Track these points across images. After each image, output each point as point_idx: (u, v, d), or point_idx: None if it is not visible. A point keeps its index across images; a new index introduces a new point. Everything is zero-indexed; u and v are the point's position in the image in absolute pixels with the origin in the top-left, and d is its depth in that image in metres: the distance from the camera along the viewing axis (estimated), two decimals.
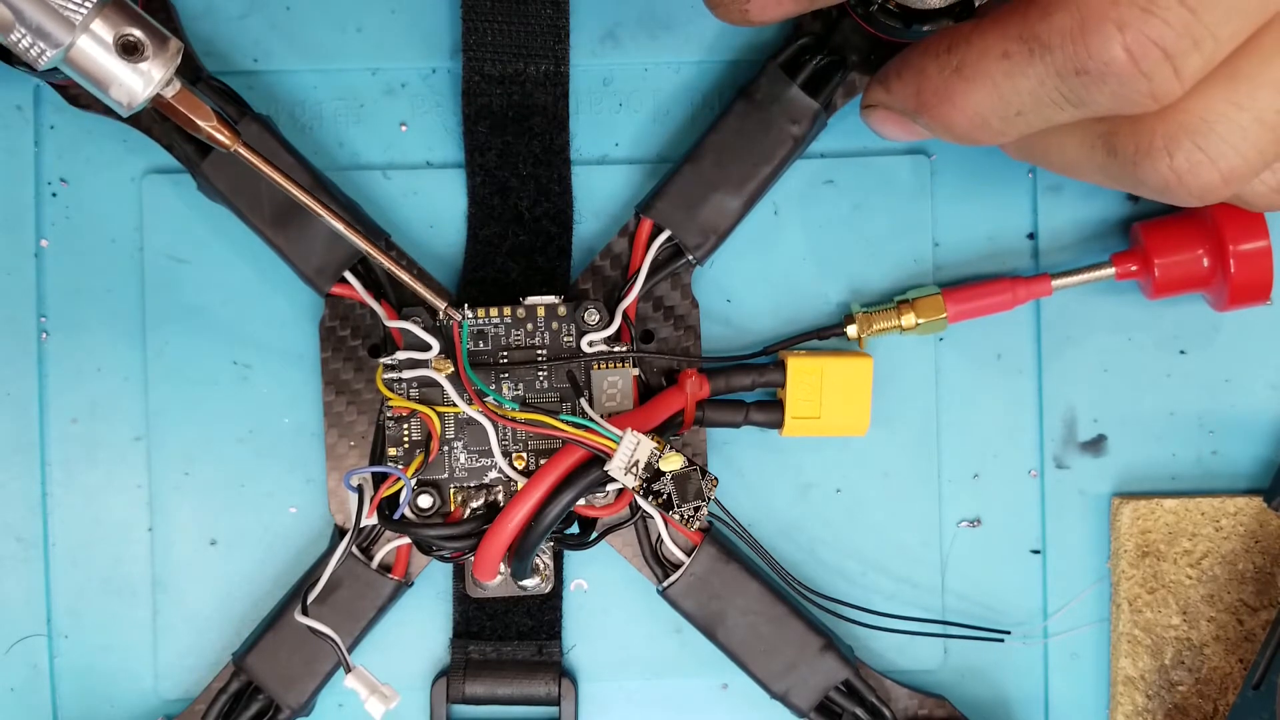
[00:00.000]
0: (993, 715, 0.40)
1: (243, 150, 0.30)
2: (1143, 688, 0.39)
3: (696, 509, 0.34)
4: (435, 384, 0.36)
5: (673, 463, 0.34)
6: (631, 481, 0.34)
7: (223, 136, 0.30)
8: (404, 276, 0.33)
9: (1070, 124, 0.29)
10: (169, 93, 0.29)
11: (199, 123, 0.30)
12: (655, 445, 0.34)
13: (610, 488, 0.36)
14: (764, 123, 0.37)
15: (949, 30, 0.29)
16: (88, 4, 0.27)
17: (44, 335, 0.39)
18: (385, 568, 0.37)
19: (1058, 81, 0.26)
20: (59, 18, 0.27)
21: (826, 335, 0.38)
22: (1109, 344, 0.40)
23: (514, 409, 0.35)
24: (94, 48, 0.28)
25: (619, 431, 0.34)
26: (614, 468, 0.34)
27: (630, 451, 0.34)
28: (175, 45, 0.29)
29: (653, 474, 0.34)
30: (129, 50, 0.28)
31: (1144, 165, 0.27)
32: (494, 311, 0.37)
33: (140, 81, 0.28)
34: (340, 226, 0.32)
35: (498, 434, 0.36)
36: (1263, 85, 0.26)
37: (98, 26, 0.28)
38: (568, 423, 0.34)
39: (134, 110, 0.29)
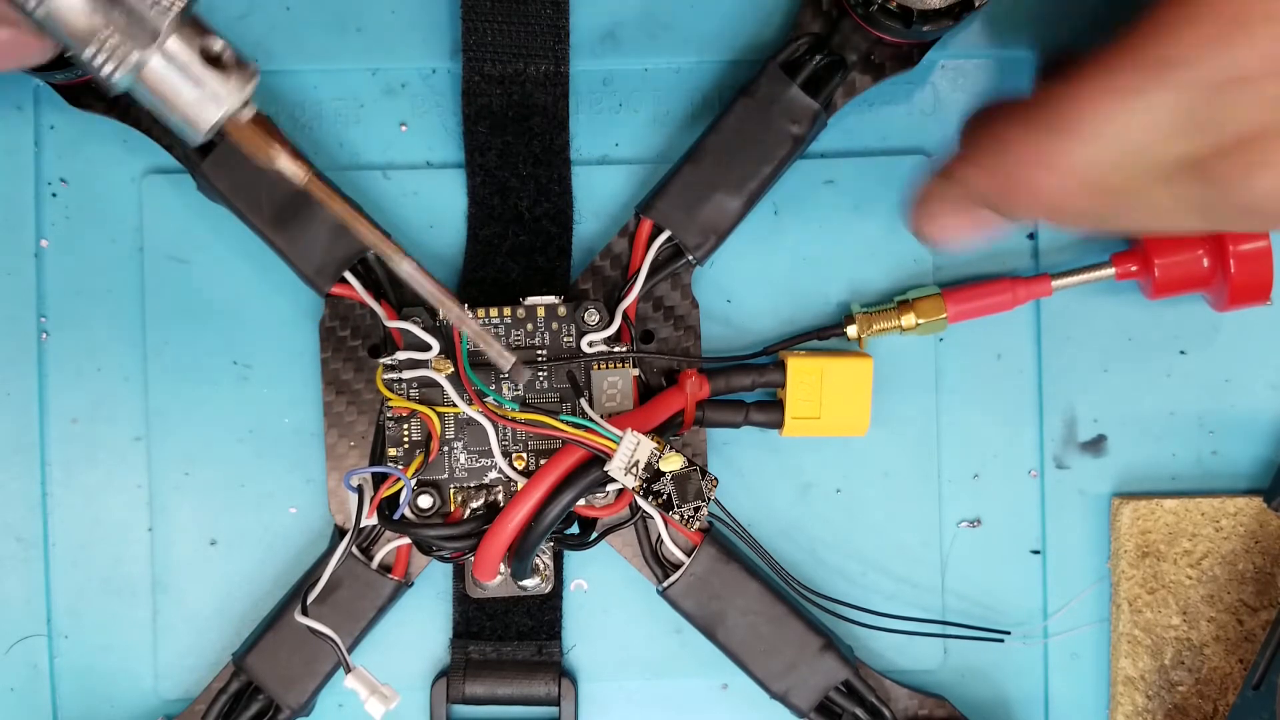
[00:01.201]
0: (993, 715, 0.40)
1: (314, 188, 0.29)
2: (1143, 688, 0.39)
3: (696, 509, 0.34)
4: (435, 384, 0.36)
5: (673, 463, 0.34)
6: (631, 482, 0.34)
7: (297, 169, 0.28)
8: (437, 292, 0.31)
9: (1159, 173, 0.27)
10: (245, 116, 0.27)
11: (272, 155, 0.28)
12: (655, 445, 0.34)
13: (610, 488, 0.36)
14: (764, 123, 0.37)
15: (1046, 91, 0.27)
16: (169, 11, 0.26)
17: (44, 335, 0.39)
18: (385, 568, 0.37)
19: (1195, 103, 0.25)
20: (140, 28, 0.26)
21: (826, 335, 0.38)
22: (1109, 344, 0.40)
23: (514, 409, 0.35)
24: (170, 63, 0.26)
25: (619, 432, 0.34)
26: (614, 468, 0.34)
27: (630, 452, 0.34)
28: (254, 66, 0.27)
29: (653, 474, 0.34)
30: (211, 60, 0.27)
31: (1255, 181, 0.26)
32: (494, 311, 0.37)
33: (218, 100, 0.27)
34: (412, 271, 0.30)
35: (498, 434, 0.36)
36: None
37: (174, 44, 0.26)
38: (568, 423, 0.34)
39: (206, 136, 0.27)
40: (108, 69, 0.26)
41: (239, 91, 0.27)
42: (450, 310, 0.30)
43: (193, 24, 0.27)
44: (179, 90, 0.26)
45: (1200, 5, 0.25)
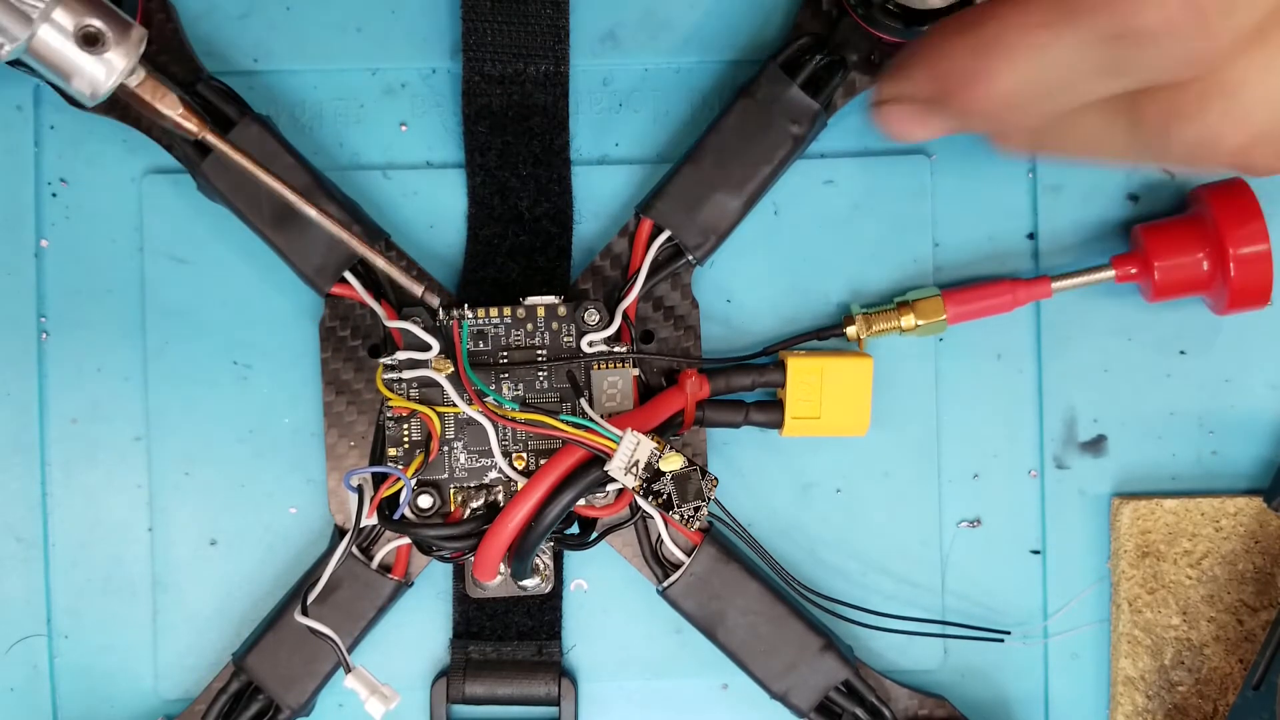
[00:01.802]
0: (993, 715, 0.40)
1: (211, 137, 0.30)
2: (1143, 688, 0.39)
3: (696, 509, 0.34)
4: (435, 384, 0.36)
5: (673, 463, 0.34)
6: (631, 482, 0.34)
7: (190, 124, 0.30)
8: (387, 266, 0.32)
9: (1091, 101, 0.28)
10: (133, 81, 0.29)
11: (164, 111, 0.29)
12: (655, 445, 0.34)
13: (610, 488, 0.36)
14: (764, 123, 0.37)
15: (975, 8, 0.29)
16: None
17: (44, 335, 0.39)
18: (385, 568, 0.37)
19: (1100, 48, 0.26)
20: (16, 11, 0.27)
21: (826, 336, 0.38)
22: (1109, 344, 0.40)
23: (514, 409, 0.35)
24: (55, 38, 0.27)
25: (619, 432, 0.34)
26: (614, 468, 0.34)
27: (630, 452, 0.34)
28: (139, 33, 0.28)
29: (653, 474, 0.34)
30: (90, 41, 0.28)
31: (1175, 128, 0.27)
32: (494, 311, 0.37)
33: (104, 71, 0.28)
34: (328, 223, 0.31)
35: (498, 434, 0.36)
36: None
37: (59, 16, 0.27)
38: (568, 423, 0.34)
39: (98, 100, 0.28)
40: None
41: (124, 60, 0.28)
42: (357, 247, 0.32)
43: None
44: (67, 65, 0.28)
45: None
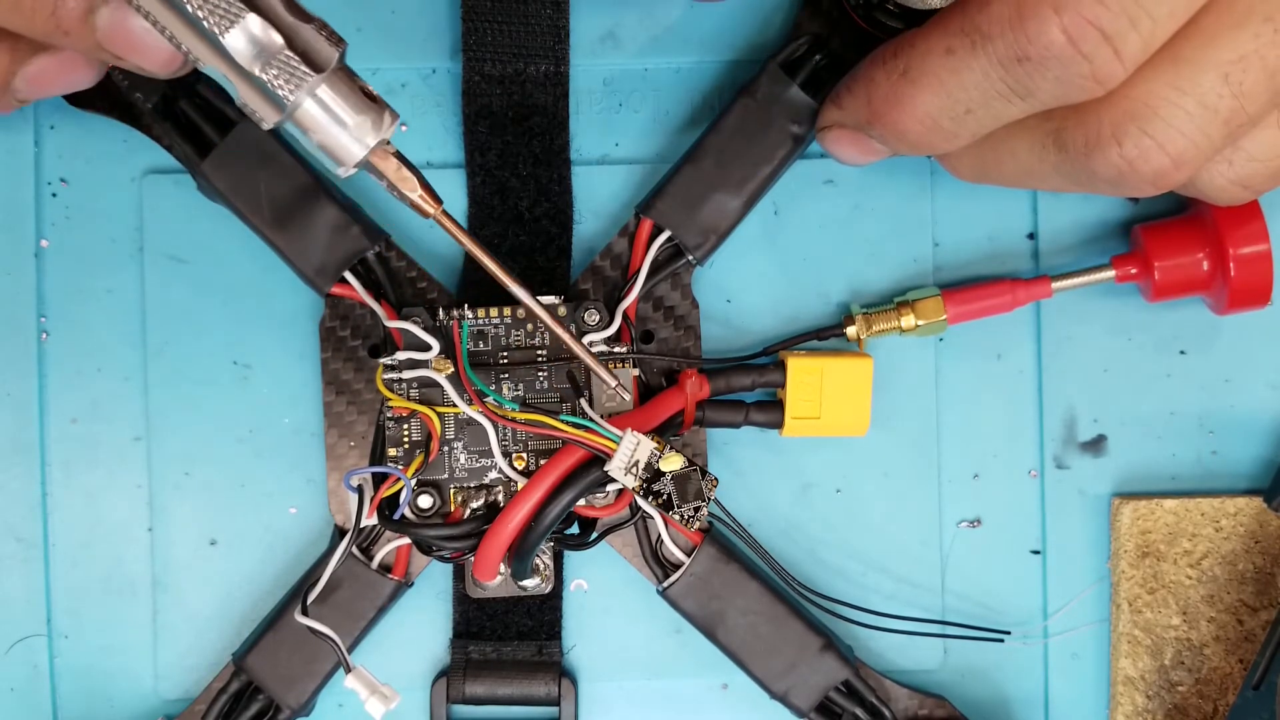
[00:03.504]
0: (993, 715, 0.40)
1: (445, 220, 0.31)
2: (1143, 688, 0.39)
3: (696, 509, 0.34)
4: (435, 384, 0.36)
5: (673, 463, 0.34)
6: (631, 482, 0.34)
7: (426, 206, 0.30)
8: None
9: (1020, 128, 0.29)
10: (389, 150, 0.29)
11: (406, 188, 0.30)
12: (655, 445, 0.34)
13: (610, 488, 0.36)
14: (764, 123, 0.37)
15: (896, 39, 0.29)
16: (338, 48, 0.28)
17: (44, 335, 0.39)
18: (385, 568, 0.37)
19: (1002, 72, 0.27)
20: (306, 63, 0.27)
21: (826, 336, 0.38)
22: (1109, 344, 0.40)
23: (514, 409, 0.35)
24: (329, 98, 0.28)
25: (619, 432, 0.34)
26: (614, 468, 0.34)
27: (630, 451, 0.34)
28: (396, 114, 0.29)
29: (653, 474, 0.34)
30: (370, 97, 0.28)
31: (1095, 156, 0.27)
32: (494, 311, 0.37)
33: (372, 133, 0.28)
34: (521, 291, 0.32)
35: (498, 434, 0.36)
36: (1205, 69, 0.26)
37: (335, 77, 0.28)
38: (568, 423, 0.34)
39: (356, 167, 0.29)
40: (268, 108, 0.28)
41: (388, 128, 0.29)
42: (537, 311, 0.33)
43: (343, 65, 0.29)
44: (329, 127, 0.28)
45: None
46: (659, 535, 0.38)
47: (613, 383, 0.34)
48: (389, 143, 0.29)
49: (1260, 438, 0.40)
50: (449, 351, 0.36)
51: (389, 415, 0.36)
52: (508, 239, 0.38)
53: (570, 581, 0.39)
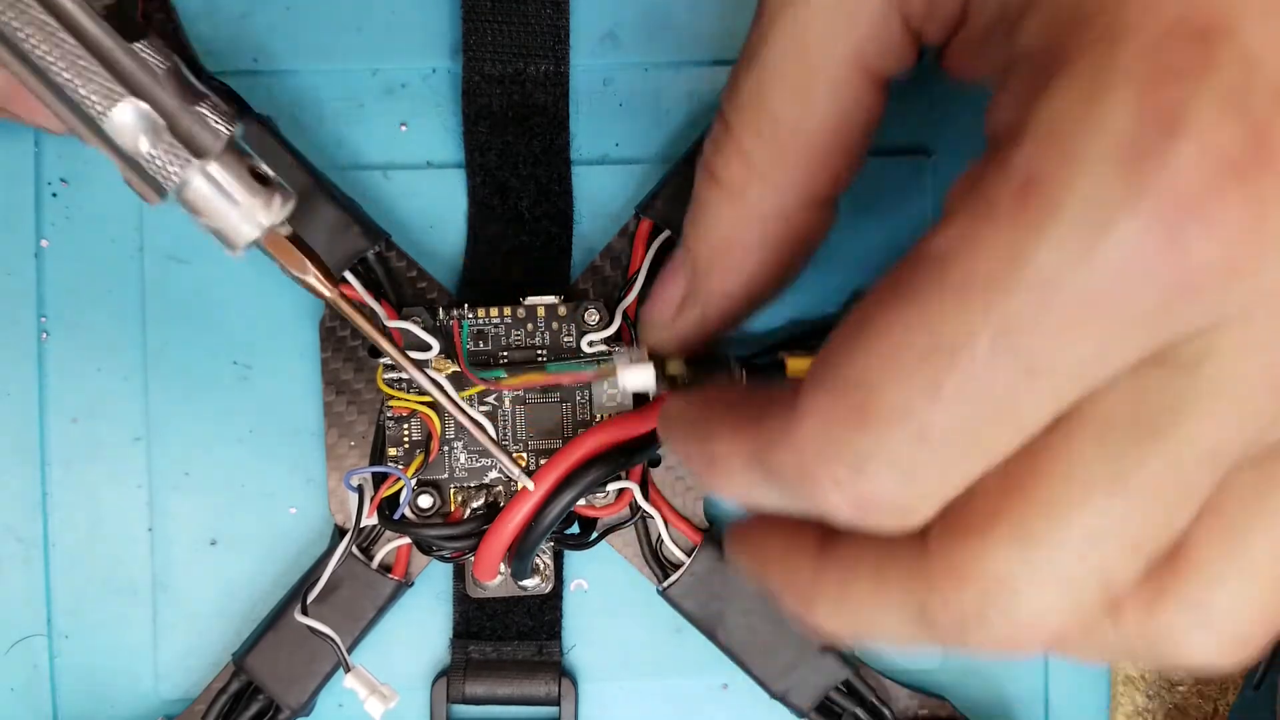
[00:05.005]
0: (993, 715, 0.40)
1: (341, 303, 0.31)
2: (1143, 688, 0.39)
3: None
4: (435, 384, 0.36)
5: (675, 367, 0.34)
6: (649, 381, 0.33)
7: (324, 286, 0.30)
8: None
9: (880, 602, 0.25)
10: (282, 233, 0.29)
11: (303, 270, 0.30)
12: (651, 386, 0.33)
13: (610, 487, 0.36)
14: None
15: (709, 398, 0.27)
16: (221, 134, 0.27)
17: (44, 335, 0.39)
18: (385, 568, 0.37)
19: (797, 502, 0.24)
20: (189, 147, 0.27)
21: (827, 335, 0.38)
22: None
23: (501, 377, 0.35)
24: (220, 176, 0.28)
25: (606, 349, 0.34)
26: (628, 382, 0.33)
27: (628, 364, 0.33)
28: (292, 194, 0.29)
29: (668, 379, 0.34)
30: (261, 179, 0.28)
31: (970, 636, 0.24)
32: (494, 311, 0.37)
33: (264, 214, 0.28)
34: None
35: (498, 434, 0.36)
36: (1056, 548, 0.22)
37: (223, 159, 0.28)
38: (557, 370, 0.34)
39: (247, 245, 0.28)
40: (148, 190, 0.28)
41: (279, 211, 0.28)
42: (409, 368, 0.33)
43: (235, 147, 0.28)
44: (219, 207, 0.28)
45: (782, 428, 0.24)
46: (659, 535, 0.38)
47: (523, 480, 0.34)
48: (285, 224, 0.29)
49: None
50: (449, 351, 0.36)
51: (389, 415, 0.36)
52: (508, 239, 0.38)
53: (570, 581, 0.39)
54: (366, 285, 0.37)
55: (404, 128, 0.39)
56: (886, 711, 0.38)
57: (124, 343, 0.39)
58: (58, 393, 0.39)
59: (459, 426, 0.36)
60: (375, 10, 0.39)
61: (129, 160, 0.27)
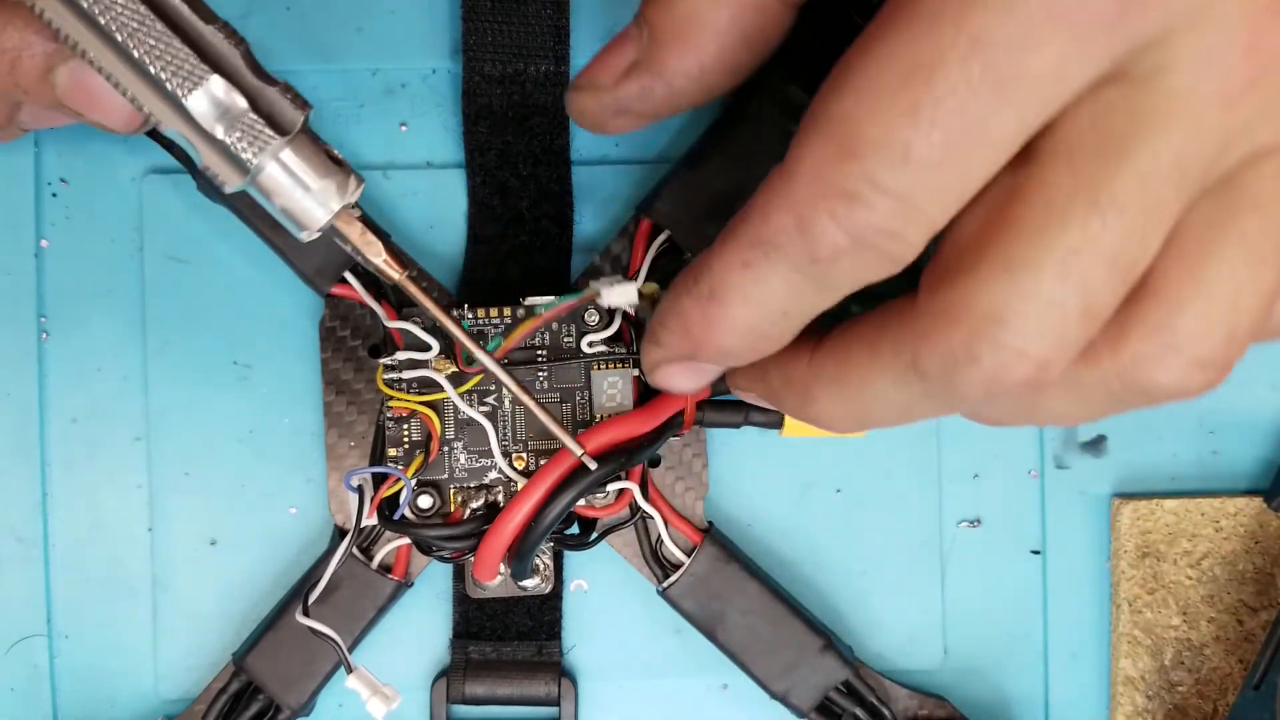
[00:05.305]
0: (993, 715, 0.40)
1: (409, 285, 0.31)
2: (1143, 688, 0.39)
3: None
4: (435, 384, 0.36)
5: (651, 288, 0.34)
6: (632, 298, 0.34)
7: (391, 270, 0.30)
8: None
9: (875, 371, 0.27)
10: (354, 214, 0.29)
11: (366, 256, 0.30)
12: (626, 281, 0.34)
13: (610, 487, 0.36)
14: (763, 121, 0.37)
15: (693, 264, 0.28)
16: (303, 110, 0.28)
17: (44, 335, 0.39)
18: (385, 568, 0.37)
19: (801, 274, 0.26)
20: (270, 127, 0.27)
21: None
22: None
23: (499, 343, 0.35)
24: (298, 156, 0.28)
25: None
26: (611, 301, 0.33)
27: (611, 287, 0.33)
28: (362, 177, 0.29)
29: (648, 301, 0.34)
30: (335, 161, 0.28)
31: (957, 377, 0.25)
32: (494, 311, 0.37)
33: (337, 196, 0.28)
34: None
35: (498, 434, 0.36)
36: (1038, 269, 0.24)
37: (300, 140, 0.28)
38: (545, 309, 0.34)
39: (320, 228, 0.29)
40: (230, 171, 0.28)
41: (353, 193, 0.29)
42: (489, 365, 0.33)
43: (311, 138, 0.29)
44: (294, 189, 0.28)
45: (781, 187, 0.25)
46: (659, 535, 0.38)
47: (576, 449, 0.33)
48: (355, 206, 0.29)
49: (1260, 438, 0.40)
50: (449, 351, 0.36)
51: (389, 415, 0.36)
52: (508, 239, 0.38)
53: (570, 581, 0.39)
54: (366, 285, 0.37)
55: (404, 128, 0.39)
56: (886, 711, 0.38)
57: (124, 343, 0.39)
58: (58, 393, 0.39)
59: (459, 427, 0.36)
60: (375, 10, 0.39)
61: (211, 140, 0.27)
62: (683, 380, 0.31)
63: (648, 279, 0.37)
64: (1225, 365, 0.26)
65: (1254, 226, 0.25)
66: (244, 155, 0.27)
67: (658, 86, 0.31)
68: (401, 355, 0.36)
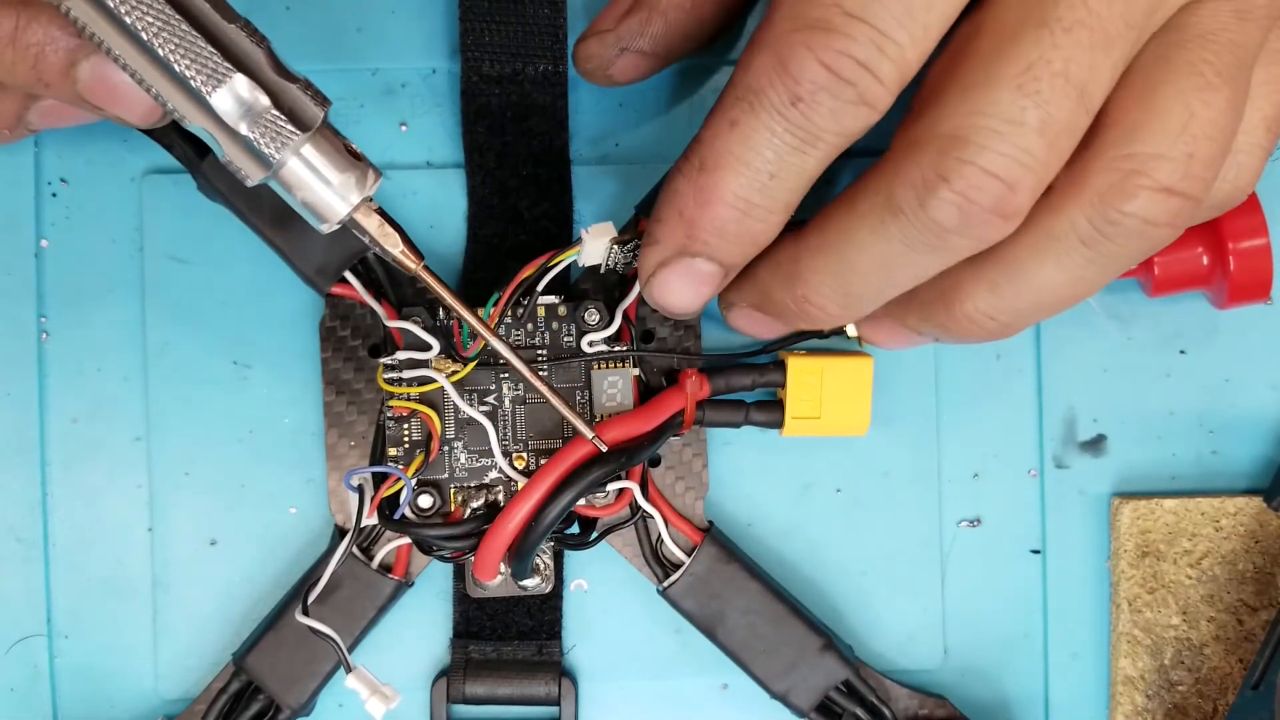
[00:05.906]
0: (993, 715, 0.40)
1: (427, 276, 0.31)
2: (1143, 688, 0.39)
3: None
4: (435, 384, 0.36)
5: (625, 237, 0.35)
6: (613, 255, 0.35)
7: (408, 261, 0.31)
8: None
9: (853, 223, 0.28)
10: (372, 206, 0.30)
11: (384, 248, 0.30)
12: (612, 233, 0.34)
13: (610, 487, 0.36)
14: None
15: (687, 148, 0.30)
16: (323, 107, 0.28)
17: (44, 335, 0.39)
18: (385, 568, 0.37)
19: (784, 121, 0.27)
20: (292, 121, 0.28)
21: (827, 335, 0.38)
22: (1108, 343, 0.40)
23: (495, 301, 0.36)
24: (319, 150, 0.28)
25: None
26: (588, 259, 0.35)
27: (593, 239, 0.34)
28: (380, 170, 0.30)
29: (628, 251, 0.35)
30: (354, 155, 0.29)
31: (930, 204, 0.27)
32: (494, 312, 0.37)
33: (357, 189, 0.29)
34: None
35: (498, 434, 0.36)
36: (995, 88, 0.26)
37: (320, 135, 0.29)
38: (532, 263, 0.35)
39: (340, 221, 0.29)
40: (253, 165, 0.28)
41: (371, 186, 0.29)
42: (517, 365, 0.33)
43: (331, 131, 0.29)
44: (315, 183, 0.28)
45: (761, 35, 0.27)
46: (659, 535, 0.38)
47: (587, 432, 0.34)
48: (372, 199, 0.30)
49: (1260, 437, 0.40)
50: (449, 351, 0.36)
51: (389, 415, 0.36)
52: (508, 239, 0.38)
53: (570, 581, 0.39)
54: (366, 285, 0.37)
55: (404, 128, 0.39)
56: (886, 711, 0.38)
57: (124, 343, 0.39)
58: (58, 393, 0.39)
59: (459, 426, 0.36)
60: (375, 10, 0.39)
61: (235, 136, 0.28)
62: (679, 288, 0.31)
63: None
64: (1191, 193, 0.27)
65: (1199, 56, 0.27)
66: (267, 151, 0.28)
67: (654, 19, 0.33)
68: (402, 355, 0.36)
